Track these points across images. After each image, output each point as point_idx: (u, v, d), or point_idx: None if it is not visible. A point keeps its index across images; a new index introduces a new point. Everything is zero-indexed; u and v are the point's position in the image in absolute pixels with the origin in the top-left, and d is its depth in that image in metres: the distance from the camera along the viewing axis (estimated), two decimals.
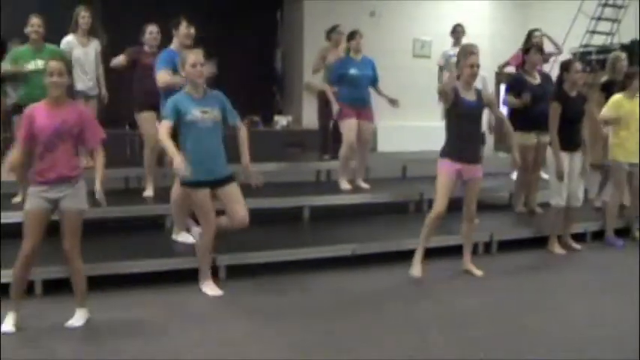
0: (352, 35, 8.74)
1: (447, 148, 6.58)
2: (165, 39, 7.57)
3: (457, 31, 10.86)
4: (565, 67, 7.56)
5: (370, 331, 5.29)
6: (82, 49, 8.46)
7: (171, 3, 12.45)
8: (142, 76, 7.71)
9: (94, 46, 8.58)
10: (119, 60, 8.10)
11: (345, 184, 8.67)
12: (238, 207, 5.96)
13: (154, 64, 6.92)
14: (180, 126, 5.83)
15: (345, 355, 4.83)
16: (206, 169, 5.81)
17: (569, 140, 7.47)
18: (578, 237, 8.24)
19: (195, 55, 5.82)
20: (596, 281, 6.82)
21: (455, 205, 6.73)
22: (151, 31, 8.02)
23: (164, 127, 5.77)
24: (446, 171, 6.54)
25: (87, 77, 8.50)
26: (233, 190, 5.97)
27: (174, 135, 5.82)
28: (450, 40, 10.76)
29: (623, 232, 8.46)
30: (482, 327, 5.41)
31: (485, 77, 8.51)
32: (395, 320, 5.55)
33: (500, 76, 13.23)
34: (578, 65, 7.54)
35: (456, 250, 7.09)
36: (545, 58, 9.31)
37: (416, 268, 6.61)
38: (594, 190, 9.26)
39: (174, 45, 6.97)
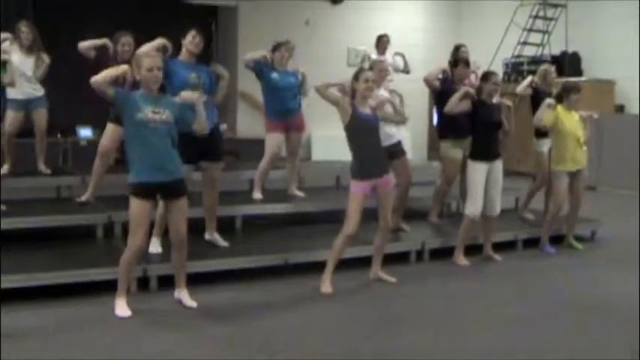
0: (277, 47, 8.22)
1: (357, 168, 6.51)
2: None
3: (382, 42, 10.97)
4: (484, 77, 7.70)
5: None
6: (21, 56, 8.26)
7: (102, 16, 12.33)
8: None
9: (35, 58, 8.34)
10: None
11: (257, 194, 8.44)
12: (181, 225, 5.80)
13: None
14: (127, 129, 5.63)
15: None
16: (156, 168, 5.56)
17: (488, 150, 7.52)
18: (510, 245, 8.34)
19: (151, 60, 5.60)
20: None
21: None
22: (124, 43, 7.72)
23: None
24: (359, 194, 6.47)
25: (29, 84, 8.31)
26: (181, 206, 5.78)
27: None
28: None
29: (556, 240, 8.55)
30: None
31: (395, 91, 8.52)
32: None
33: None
34: (496, 77, 7.66)
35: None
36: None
37: (325, 285, 6.53)
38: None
39: (182, 55, 6.77)
